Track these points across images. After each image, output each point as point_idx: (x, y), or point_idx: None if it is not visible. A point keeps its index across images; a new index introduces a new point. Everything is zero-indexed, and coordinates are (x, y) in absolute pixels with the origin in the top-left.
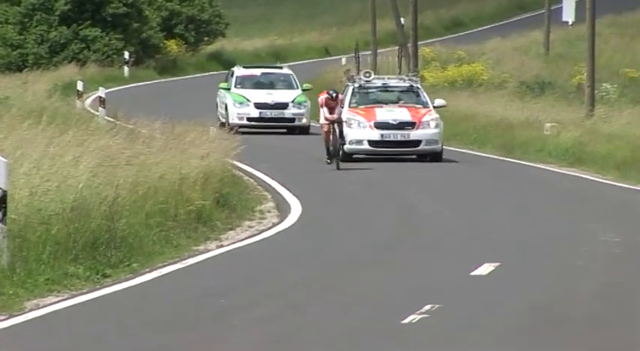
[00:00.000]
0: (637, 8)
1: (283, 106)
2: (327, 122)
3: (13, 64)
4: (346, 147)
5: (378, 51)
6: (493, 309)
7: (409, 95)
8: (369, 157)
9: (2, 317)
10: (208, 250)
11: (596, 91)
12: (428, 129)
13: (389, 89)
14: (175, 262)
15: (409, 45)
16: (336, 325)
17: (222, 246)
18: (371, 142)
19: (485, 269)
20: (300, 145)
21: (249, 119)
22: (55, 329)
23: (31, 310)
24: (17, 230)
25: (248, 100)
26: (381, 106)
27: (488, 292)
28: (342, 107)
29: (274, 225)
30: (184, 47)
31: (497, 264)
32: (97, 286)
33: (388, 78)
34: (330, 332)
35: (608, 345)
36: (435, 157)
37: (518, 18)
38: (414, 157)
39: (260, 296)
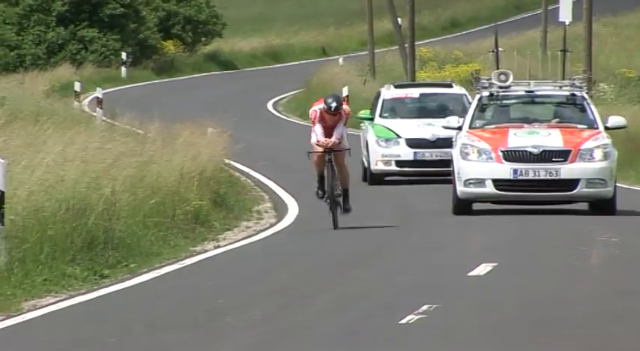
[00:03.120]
0: (634, 9)
1: (449, 143)
2: (318, 151)
3: (10, 65)
4: (460, 191)
5: (375, 51)
6: (491, 309)
7: (570, 110)
8: (499, 207)
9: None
10: (206, 251)
11: (593, 92)
12: (590, 162)
13: (537, 100)
14: (173, 263)
15: (406, 45)
16: (333, 325)
17: (219, 246)
18: (497, 183)
19: (482, 269)
20: (297, 144)
21: (398, 163)
22: (52, 330)
23: (28, 311)
24: (15, 231)
25: (397, 136)
26: (521, 126)
27: (486, 292)
28: (345, 125)
29: (272, 225)
30: (182, 48)
31: (495, 264)
32: (95, 287)
33: (536, 83)
34: (326, 332)
35: (606, 345)
36: (602, 205)
37: (516, 18)
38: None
39: (257, 296)
